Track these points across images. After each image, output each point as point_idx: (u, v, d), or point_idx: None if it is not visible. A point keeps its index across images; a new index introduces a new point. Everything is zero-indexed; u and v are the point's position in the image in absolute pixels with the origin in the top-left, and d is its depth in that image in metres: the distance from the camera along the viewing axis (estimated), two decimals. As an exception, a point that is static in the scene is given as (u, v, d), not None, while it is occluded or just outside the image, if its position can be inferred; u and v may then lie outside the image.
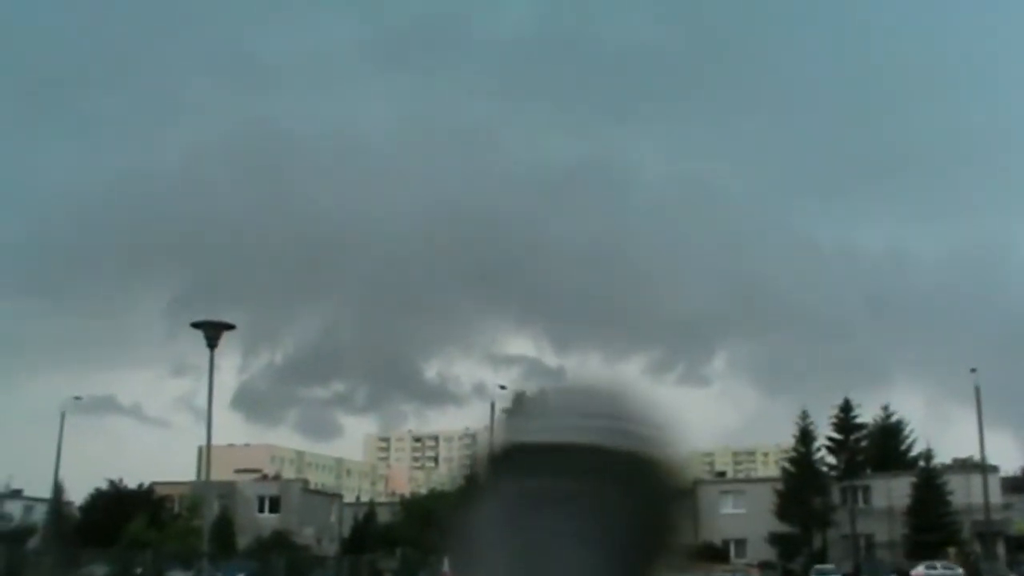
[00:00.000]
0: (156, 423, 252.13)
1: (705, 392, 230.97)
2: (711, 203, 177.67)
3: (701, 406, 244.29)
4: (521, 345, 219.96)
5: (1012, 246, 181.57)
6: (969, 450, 76.31)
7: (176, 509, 71.10)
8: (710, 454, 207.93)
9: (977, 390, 67.00)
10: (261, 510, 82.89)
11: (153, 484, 77.97)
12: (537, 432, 1.20)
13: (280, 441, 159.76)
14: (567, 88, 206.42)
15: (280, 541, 67.40)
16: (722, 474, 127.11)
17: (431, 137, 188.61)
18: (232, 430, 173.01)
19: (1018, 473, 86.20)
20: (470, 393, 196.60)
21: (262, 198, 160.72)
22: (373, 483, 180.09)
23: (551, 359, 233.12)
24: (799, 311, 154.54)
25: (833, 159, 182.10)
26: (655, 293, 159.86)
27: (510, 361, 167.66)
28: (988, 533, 68.13)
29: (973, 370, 68.77)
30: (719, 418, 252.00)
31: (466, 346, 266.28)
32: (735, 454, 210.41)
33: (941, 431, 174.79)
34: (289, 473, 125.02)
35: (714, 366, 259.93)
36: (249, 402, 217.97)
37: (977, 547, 69.28)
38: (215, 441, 32.96)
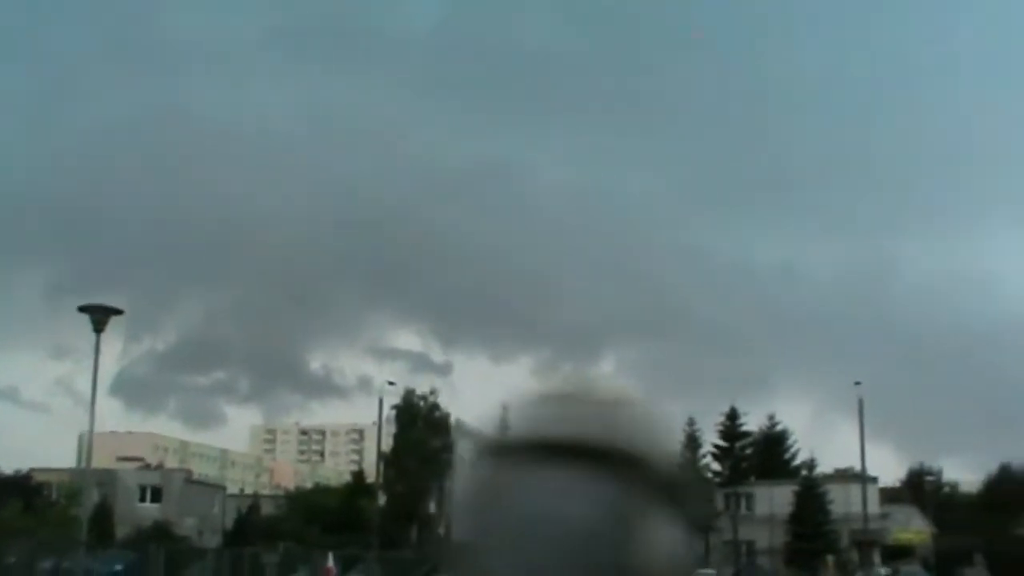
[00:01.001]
0: (34, 407, 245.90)
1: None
2: (607, 210, 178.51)
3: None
4: (408, 340, 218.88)
5: (899, 263, 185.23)
6: (850, 461, 77.72)
7: (54, 496, 69.37)
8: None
9: (860, 403, 68.18)
10: (142, 500, 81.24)
11: (31, 470, 76.11)
12: (531, 429, 1.29)
13: (162, 430, 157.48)
14: (471, 88, 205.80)
15: (160, 532, 66.02)
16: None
17: (331, 129, 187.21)
18: (112, 417, 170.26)
19: (896, 484, 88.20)
20: (355, 387, 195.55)
21: (154, 184, 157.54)
22: (258, 475, 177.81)
23: (438, 355, 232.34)
24: (690, 319, 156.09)
25: (730, 172, 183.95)
26: (546, 295, 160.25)
27: (396, 355, 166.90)
28: (865, 542, 69.46)
29: (857, 383, 69.99)
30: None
31: (352, 340, 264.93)
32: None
33: (824, 442, 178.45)
34: (172, 463, 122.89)
35: (601, 369, 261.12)
36: (130, 389, 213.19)
37: (855, 555, 70.61)
38: (96, 428, 32.23)
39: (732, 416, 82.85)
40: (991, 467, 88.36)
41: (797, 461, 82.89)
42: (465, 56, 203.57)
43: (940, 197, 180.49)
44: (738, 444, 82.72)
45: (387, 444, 74.95)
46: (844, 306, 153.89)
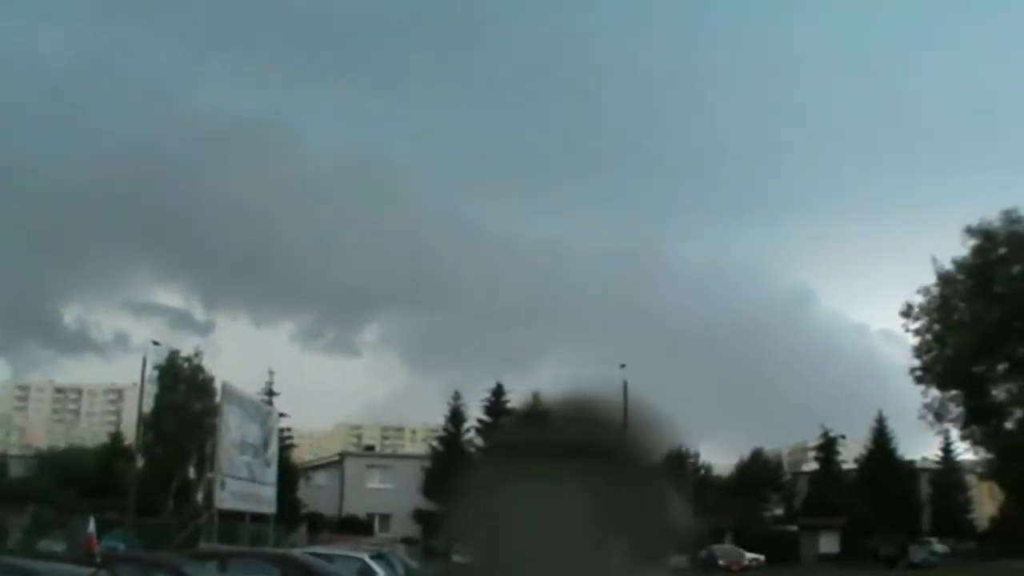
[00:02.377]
0: None
1: (354, 363, 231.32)
2: (384, 178, 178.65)
3: (350, 376, 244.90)
4: (169, 297, 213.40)
5: (666, 249, 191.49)
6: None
7: None
8: (358, 427, 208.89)
9: (624, 385, 69.98)
10: None
11: None
12: (526, 434, 1.35)
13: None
14: (247, 46, 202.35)
15: None
16: (370, 448, 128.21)
17: (101, 77, 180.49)
18: None
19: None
20: (113, 344, 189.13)
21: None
22: (7, 434, 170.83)
23: (200, 314, 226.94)
24: (459, 292, 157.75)
25: (502, 147, 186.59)
26: (314, 260, 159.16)
27: (156, 311, 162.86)
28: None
29: (622, 366, 71.86)
30: (368, 391, 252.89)
31: (110, 294, 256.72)
32: (384, 429, 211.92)
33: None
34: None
35: (365, 338, 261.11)
36: None
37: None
38: None
39: (498, 392, 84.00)
40: (744, 451, 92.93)
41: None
42: (242, 13, 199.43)
43: (706, 189, 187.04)
44: (502, 420, 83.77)
45: (148, 406, 71.46)
46: (611, 287, 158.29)
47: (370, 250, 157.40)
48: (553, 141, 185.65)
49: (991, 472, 59.47)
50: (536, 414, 1.39)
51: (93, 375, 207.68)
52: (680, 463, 69.01)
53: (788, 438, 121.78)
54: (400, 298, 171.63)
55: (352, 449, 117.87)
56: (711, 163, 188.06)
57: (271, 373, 76.55)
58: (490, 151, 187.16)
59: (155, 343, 70.84)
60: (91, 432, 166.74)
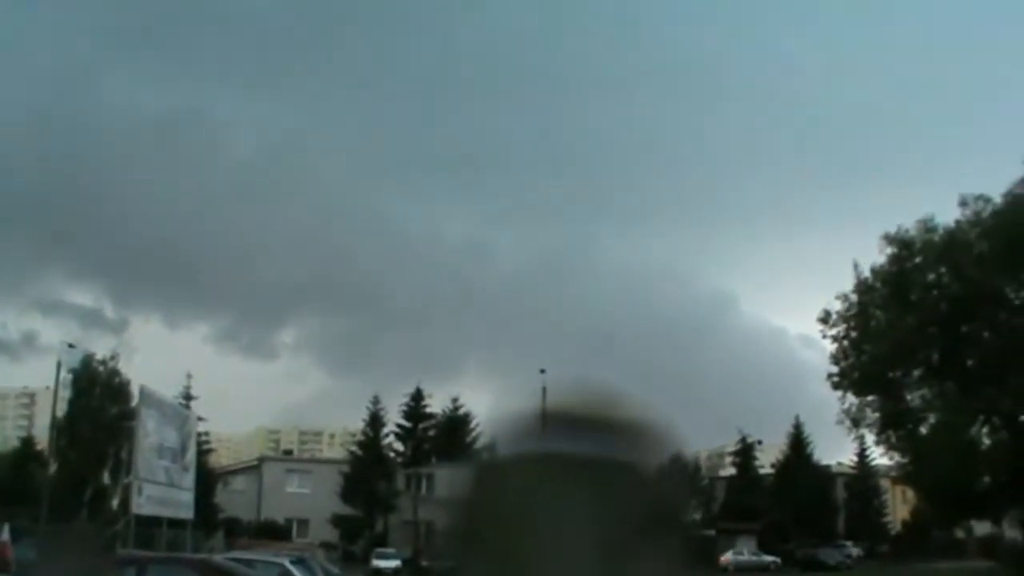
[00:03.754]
0: None
1: (272, 365, 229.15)
2: (302, 177, 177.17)
3: (267, 380, 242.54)
4: (80, 296, 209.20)
5: (590, 252, 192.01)
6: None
7: None
8: (277, 431, 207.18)
9: (544, 391, 70.20)
10: None
11: None
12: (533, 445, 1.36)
13: None
14: (172, 40, 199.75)
15: None
16: (288, 452, 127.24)
17: (13, 65, 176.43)
18: None
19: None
20: (20, 344, 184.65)
21: None
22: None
23: (112, 314, 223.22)
24: (378, 294, 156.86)
25: (426, 148, 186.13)
26: (231, 259, 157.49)
27: (66, 311, 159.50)
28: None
29: (543, 371, 72.01)
30: (287, 394, 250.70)
31: (16, 292, 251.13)
32: (302, 433, 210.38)
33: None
34: None
35: (283, 339, 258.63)
36: None
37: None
38: None
39: (417, 397, 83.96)
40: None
41: (479, 445, 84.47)
42: (157, 6, 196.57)
43: (630, 191, 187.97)
44: (421, 425, 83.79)
45: (62, 410, 69.63)
46: (534, 291, 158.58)
47: (287, 250, 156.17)
48: (475, 141, 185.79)
49: (905, 476, 60.39)
50: (555, 421, 1.40)
51: (2, 377, 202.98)
52: (686, 468, 69.48)
53: (706, 443, 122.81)
54: (318, 299, 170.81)
55: (270, 453, 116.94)
56: (636, 165, 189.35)
57: (189, 376, 75.69)
58: (411, 150, 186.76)
59: (70, 345, 70.31)
60: (1, 436, 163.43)
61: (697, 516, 77.84)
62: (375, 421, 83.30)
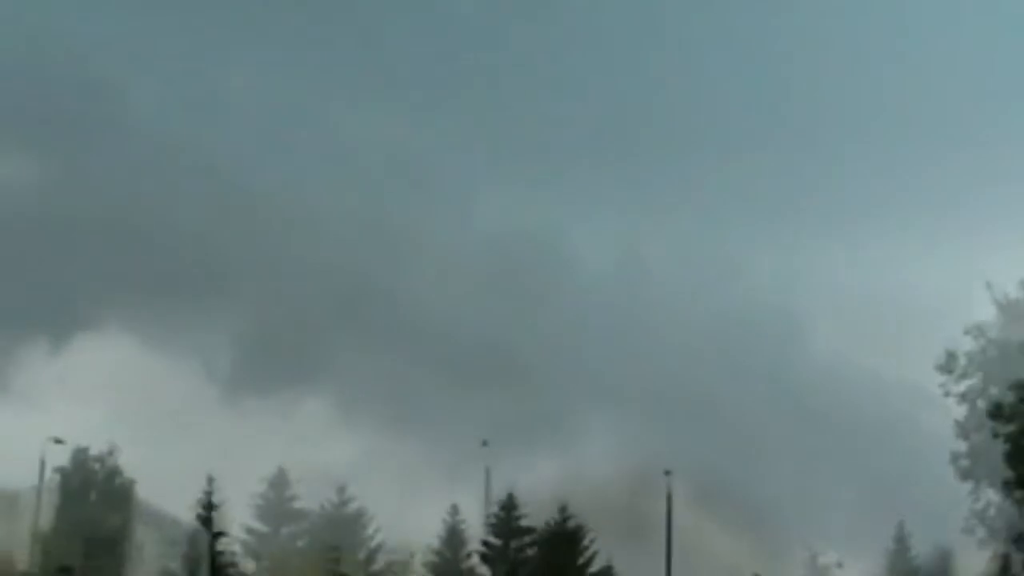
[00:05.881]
0: None
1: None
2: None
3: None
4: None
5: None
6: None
7: None
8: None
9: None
10: None
11: None
12: None
13: None
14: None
15: None
16: None
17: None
18: None
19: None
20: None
21: None
22: None
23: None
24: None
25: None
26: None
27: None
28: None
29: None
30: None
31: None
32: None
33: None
34: None
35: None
36: None
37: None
38: None
39: (508, 506, 65.58)
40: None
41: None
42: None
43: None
44: (514, 543, 65.71)
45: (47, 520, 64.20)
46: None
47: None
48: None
49: None
50: None
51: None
52: None
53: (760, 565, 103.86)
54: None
55: None
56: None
57: (210, 480, 57.09)
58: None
59: (58, 441, 60.43)
60: None
61: None
62: (453, 537, 66.87)
